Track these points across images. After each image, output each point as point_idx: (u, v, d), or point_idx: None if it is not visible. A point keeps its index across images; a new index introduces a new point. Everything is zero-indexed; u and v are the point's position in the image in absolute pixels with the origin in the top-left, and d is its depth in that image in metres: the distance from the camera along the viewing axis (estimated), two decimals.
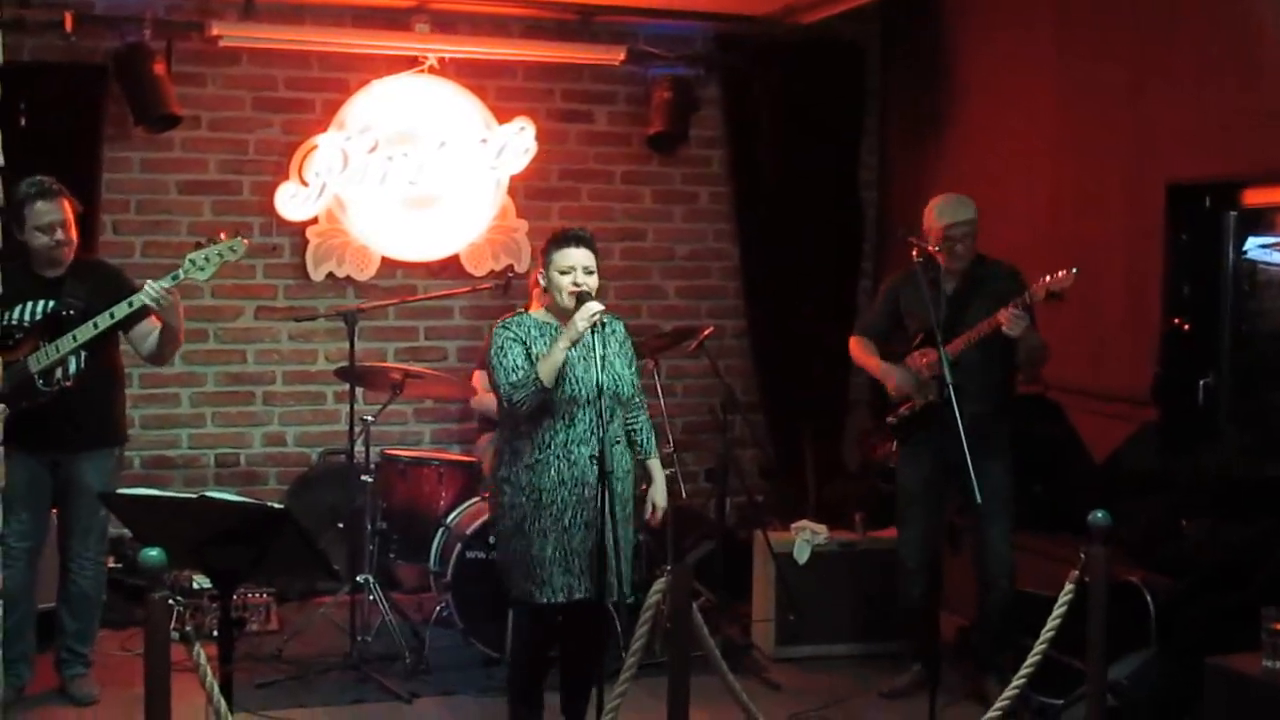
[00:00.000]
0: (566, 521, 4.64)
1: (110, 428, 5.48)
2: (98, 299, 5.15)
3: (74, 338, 5.08)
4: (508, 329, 4.71)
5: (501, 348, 4.66)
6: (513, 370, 4.59)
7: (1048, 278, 5.13)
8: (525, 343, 4.66)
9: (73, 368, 5.20)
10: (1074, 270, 5.09)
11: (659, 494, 4.98)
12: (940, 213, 5.52)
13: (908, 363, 5.64)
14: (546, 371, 4.52)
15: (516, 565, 4.72)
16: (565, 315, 4.69)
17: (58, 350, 5.08)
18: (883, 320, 5.86)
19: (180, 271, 5.10)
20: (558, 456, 4.64)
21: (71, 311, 5.16)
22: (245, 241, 5.23)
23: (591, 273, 4.65)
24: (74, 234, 5.27)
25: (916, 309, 5.59)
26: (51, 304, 5.20)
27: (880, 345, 5.81)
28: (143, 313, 5.16)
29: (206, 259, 5.11)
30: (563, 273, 4.63)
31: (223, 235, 5.18)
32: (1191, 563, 5.28)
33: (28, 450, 5.01)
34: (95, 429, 5.36)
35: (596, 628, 4.83)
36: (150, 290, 5.04)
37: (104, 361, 5.35)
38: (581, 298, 4.59)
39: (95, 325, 5.07)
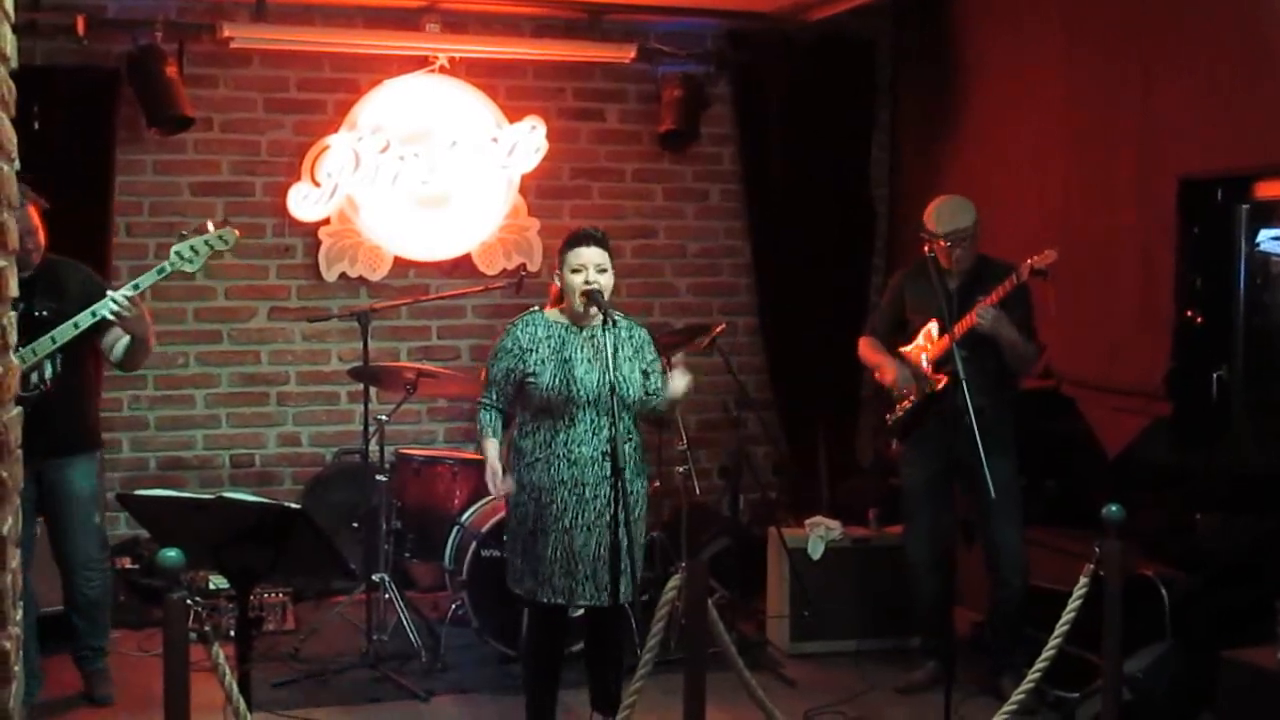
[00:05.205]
0: (567, 522, 4.65)
1: (90, 432, 5.39)
2: (71, 300, 5.03)
3: (53, 339, 4.94)
4: (513, 330, 4.78)
5: (496, 353, 4.80)
6: (490, 383, 4.79)
7: (1033, 257, 5.22)
8: (524, 349, 4.70)
9: (48, 372, 5.08)
10: (1054, 249, 5.21)
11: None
12: (938, 220, 5.50)
13: (906, 356, 5.66)
14: (484, 438, 4.79)
15: (523, 561, 4.76)
16: (577, 315, 4.71)
17: (34, 354, 4.92)
18: (890, 317, 5.87)
19: (167, 265, 5.00)
20: (558, 456, 4.67)
21: (45, 313, 5.01)
22: (236, 232, 5.16)
23: (604, 271, 4.66)
24: (42, 238, 5.13)
25: (921, 303, 5.61)
26: (21, 307, 5.05)
27: (887, 343, 5.81)
28: (108, 320, 5.03)
29: (194, 249, 5.00)
30: (574, 272, 4.65)
31: (210, 225, 5.09)
32: (1205, 557, 5.29)
33: None
34: (76, 434, 5.27)
35: (610, 629, 4.85)
36: (111, 302, 4.95)
37: (81, 365, 5.25)
38: (592, 297, 4.60)
39: (76, 325, 4.94)
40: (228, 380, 7.28)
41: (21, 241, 4.87)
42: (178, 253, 5.01)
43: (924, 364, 5.56)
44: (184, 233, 5.08)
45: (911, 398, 5.61)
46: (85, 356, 5.29)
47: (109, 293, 4.98)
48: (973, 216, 5.50)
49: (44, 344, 4.94)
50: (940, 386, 5.43)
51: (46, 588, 5.50)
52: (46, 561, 5.44)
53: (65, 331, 4.94)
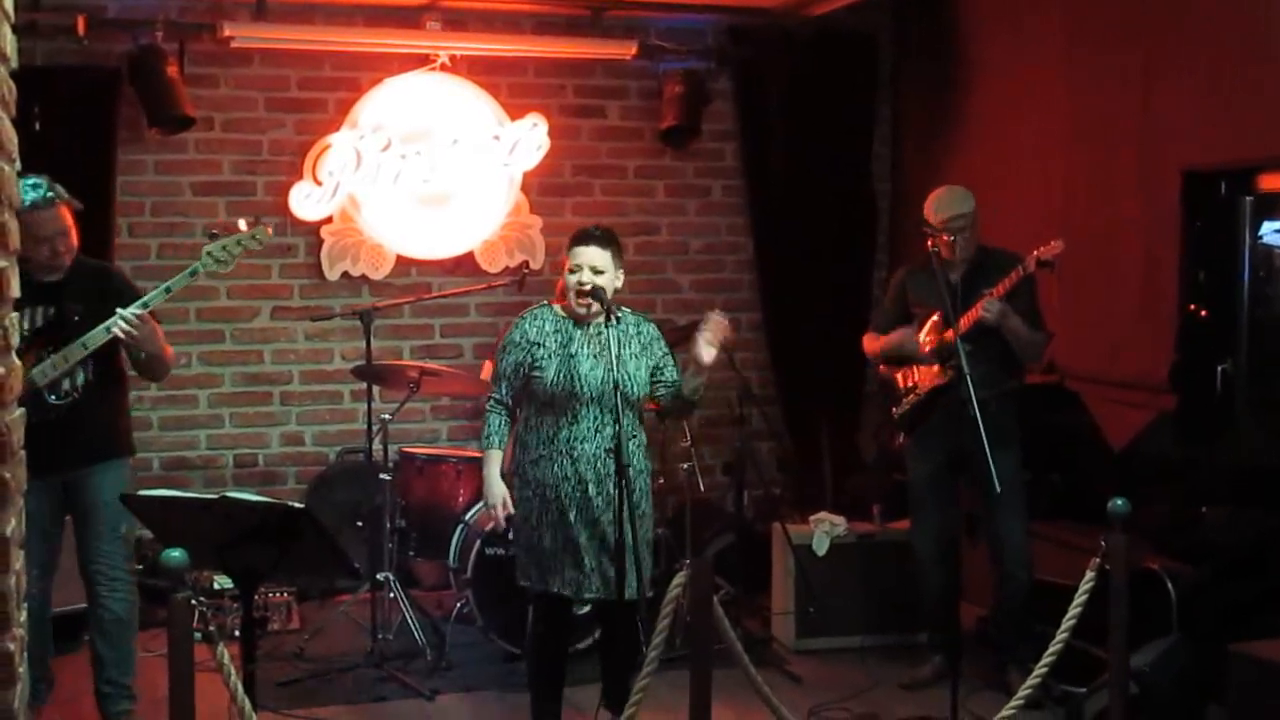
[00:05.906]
0: (570, 518, 4.66)
1: (121, 438, 5.16)
2: (103, 304, 4.79)
3: (84, 345, 4.72)
4: (521, 324, 4.78)
5: (505, 346, 4.81)
6: (500, 378, 4.80)
7: (1039, 248, 5.22)
8: (532, 342, 4.70)
9: (80, 378, 4.87)
10: (1060, 240, 5.21)
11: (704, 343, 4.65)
12: (938, 207, 5.51)
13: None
14: (487, 448, 4.81)
15: (528, 555, 4.77)
16: (577, 312, 4.70)
17: (66, 360, 4.72)
18: (893, 314, 5.86)
19: (199, 265, 4.83)
20: (560, 453, 4.68)
21: (77, 318, 4.80)
22: (269, 230, 4.98)
23: (600, 272, 4.64)
24: (74, 240, 4.88)
25: (925, 298, 5.60)
26: (52, 311, 4.82)
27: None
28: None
29: (225, 249, 4.82)
30: (571, 271, 4.65)
31: (242, 224, 4.93)
32: (1211, 550, 5.27)
33: (35, 473, 4.42)
34: (106, 441, 5.04)
35: (622, 623, 4.84)
36: (121, 321, 4.70)
37: (112, 370, 5.05)
38: (594, 294, 4.59)
39: (107, 330, 4.73)
40: (231, 380, 7.28)
41: (53, 243, 4.79)
42: (209, 253, 4.83)
43: (929, 355, 5.55)
44: (215, 232, 4.91)
45: (918, 391, 5.60)
46: (116, 361, 5.07)
47: (118, 310, 4.74)
48: (970, 204, 5.49)
49: (75, 350, 4.73)
50: (947, 376, 5.42)
51: (52, 588, 5.41)
52: (59, 562, 5.27)
53: (96, 337, 4.73)
